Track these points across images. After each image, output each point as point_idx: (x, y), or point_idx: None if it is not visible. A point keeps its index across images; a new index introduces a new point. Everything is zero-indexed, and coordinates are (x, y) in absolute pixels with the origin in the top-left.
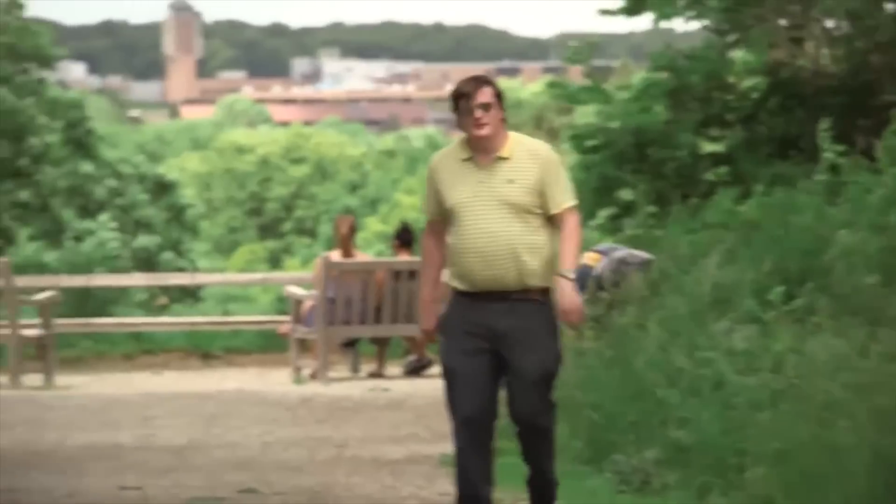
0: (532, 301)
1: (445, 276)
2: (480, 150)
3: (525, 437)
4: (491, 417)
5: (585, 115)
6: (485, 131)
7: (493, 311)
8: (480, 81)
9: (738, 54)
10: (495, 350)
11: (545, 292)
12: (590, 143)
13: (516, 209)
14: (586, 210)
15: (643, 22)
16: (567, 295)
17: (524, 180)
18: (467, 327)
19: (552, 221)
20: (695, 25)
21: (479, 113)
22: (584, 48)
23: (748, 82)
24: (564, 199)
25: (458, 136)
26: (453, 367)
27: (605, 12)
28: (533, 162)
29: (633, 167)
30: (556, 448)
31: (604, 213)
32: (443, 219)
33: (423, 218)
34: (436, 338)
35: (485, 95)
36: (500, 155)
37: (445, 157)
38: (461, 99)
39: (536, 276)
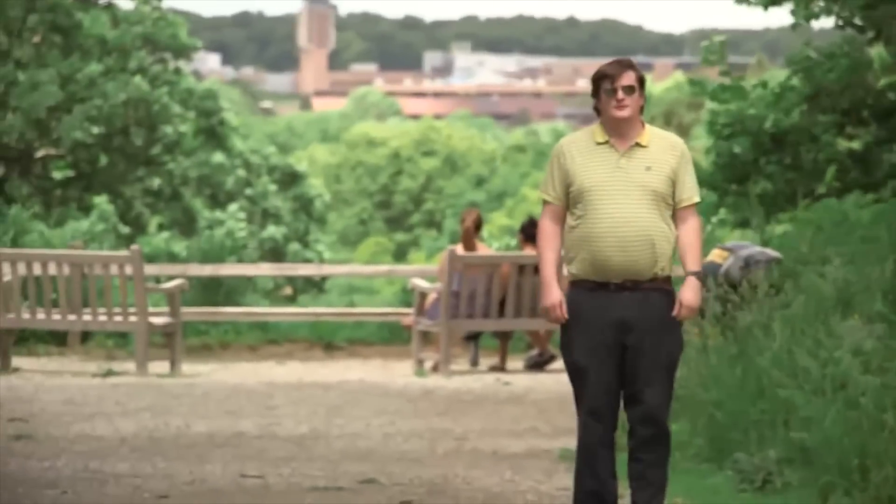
0: (661, 290)
1: (566, 266)
2: (618, 135)
3: (642, 444)
4: (617, 413)
5: (713, 113)
6: (626, 112)
7: (623, 301)
8: (625, 65)
9: (875, 52)
10: (622, 341)
11: (669, 281)
12: (727, 129)
13: (653, 196)
14: (718, 195)
15: (778, 17)
16: (692, 292)
17: (661, 169)
18: (597, 321)
19: (675, 214)
20: (831, 22)
21: (621, 94)
22: (717, 48)
23: (885, 80)
24: (693, 194)
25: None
26: (582, 365)
27: (742, 1)
28: (670, 152)
29: (768, 158)
30: (668, 475)
31: (729, 204)
32: (565, 204)
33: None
34: (564, 313)
35: (629, 78)
36: (639, 142)
37: (577, 140)
38: (604, 80)
39: (666, 264)
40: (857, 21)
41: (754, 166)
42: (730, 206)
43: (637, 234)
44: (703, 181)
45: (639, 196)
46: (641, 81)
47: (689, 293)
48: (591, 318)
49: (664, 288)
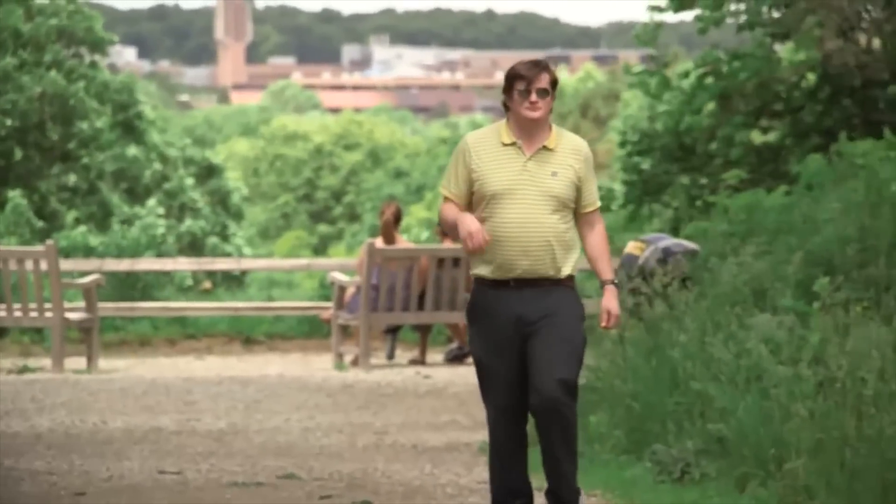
0: (561, 286)
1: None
2: (526, 136)
3: (546, 427)
4: (525, 400)
5: (631, 105)
6: (538, 114)
7: (524, 299)
8: (541, 66)
9: (786, 49)
10: (523, 336)
11: (571, 278)
12: (636, 147)
13: (557, 202)
14: (634, 204)
15: (692, 13)
16: (613, 301)
17: (566, 174)
18: (496, 319)
19: (577, 217)
20: (741, 21)
21: (535, 97)
22: (651, 30)
23: (798, 75)
24: (596, 198)
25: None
26: (485, 362)
27: (654, 9)
28: (575, 157)
29: (678, 165)
30: (577, 453)
31: (645, 216)
32: (466, 202)
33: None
34: (485, 235)
35: (543, 81)
36: (546, 145)
37: (484, 139)
38: (519, 81)
39: (567, 266)
40: (765, 19)
41: (664, 177)
42: (646, 218)
43: (539, 239)
44: (622, 200)
45: (543, 201)
46: (554, 84)
47: (611, 303)
48: (492, 315)
49: (565, 284)
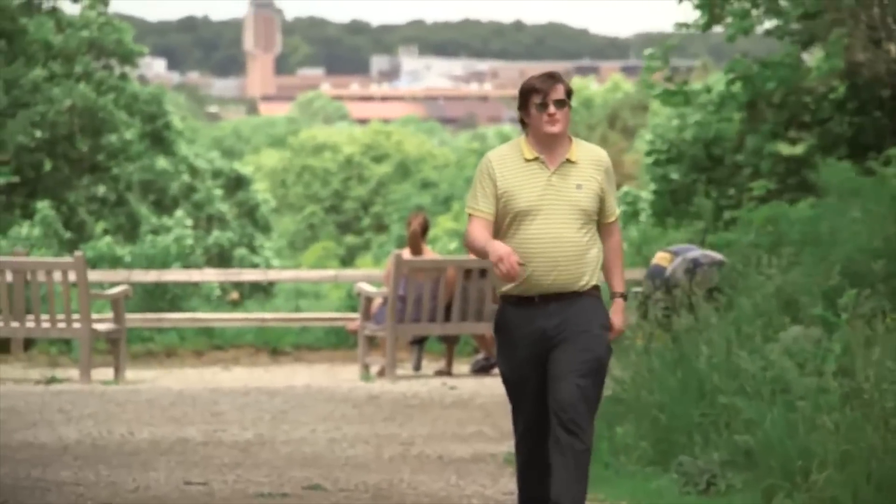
0: (586, 296)
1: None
2: (548, 151)
3: (557, 437)
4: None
5: (659, 115)
6: (558, 128)
7: (547, 313)
8: (555, 78)
9: (815, 59)
10: (549, 349)
11: (596, 288)
12: (664, 156)
13: (582, 214)
14: (661, 215)
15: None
16: (619, 315)
17: (590, 186)
18: (520, 335)
19: (598, 228)
20: (767, 28)
21: (553, 108)
22: (661, 54)
23: (830, 85)
24: (616, 209)
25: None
26: (512, 380)
27: (682, 25)
28: (597, 169)
29: (706, 175)
30: (587, 476)
31: (672, 225)
32: (492, 219)
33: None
34: (516, 261)
35: (559, 92)
36: (569, 158)
37: (507, 157)
38: (534, 94)
39: (593, 277)
40: (794, 28)
41: (692, 186)
42: (673, 227)
43: (566, 254)
44: (649, 209)
45: (569, 215)
46: (569, 94)
47: (617, 316)
48: (517, 333)
49: (590, 294)
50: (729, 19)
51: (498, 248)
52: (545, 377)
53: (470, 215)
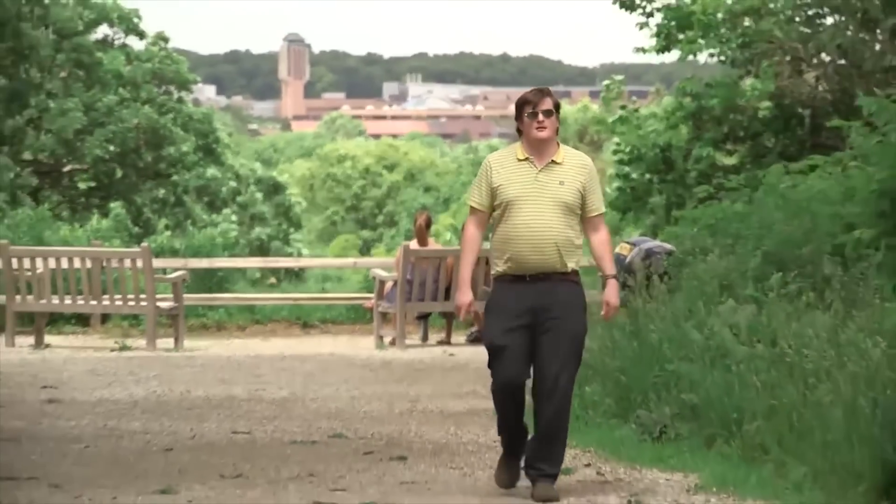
0: (568, 281)
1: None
2: (537, 153)
3: (547, 397)
4: (524, 380)
5: (620, 131)
6: (545, 134)
7: (537, 291)
8: (544, 93)
9: (749, 83)
10: (534, 324)
11: (577, 273)
12: (627, 157)
13: (564, 207)
14: (623, 209)
15: (674, 55)
16: (614, 294)
17: (573, 184)
18: (512, 308)
19: (584, 221)
20: (714, 59)
21: (542, 117)
22: (615, 88)
23: (760, 105)
24: (600, 205)
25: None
26: (499, 345)
27: (640, 50)
28: (580, 170)
29: (660, 177)
30: (566, 439)
31: (631, 220)
32: (488, 211)
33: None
34: (472, 312)
35: (547, 104)
36: (554, 160)
37: (503, 157)
38: (526, 105)
39: (571, 262)
40: (734, 58)
41: (649, 185)
42: (631, 221)
43: (547, 239)
44: (610, 205)
45: (552, 206)
46: (557, 107)
47: (612, 295)
48: (509, 307)
49: (571, 279)
50: (678, 50)
51: (464, 296)
52: (527, 343)
53: (472, 208)
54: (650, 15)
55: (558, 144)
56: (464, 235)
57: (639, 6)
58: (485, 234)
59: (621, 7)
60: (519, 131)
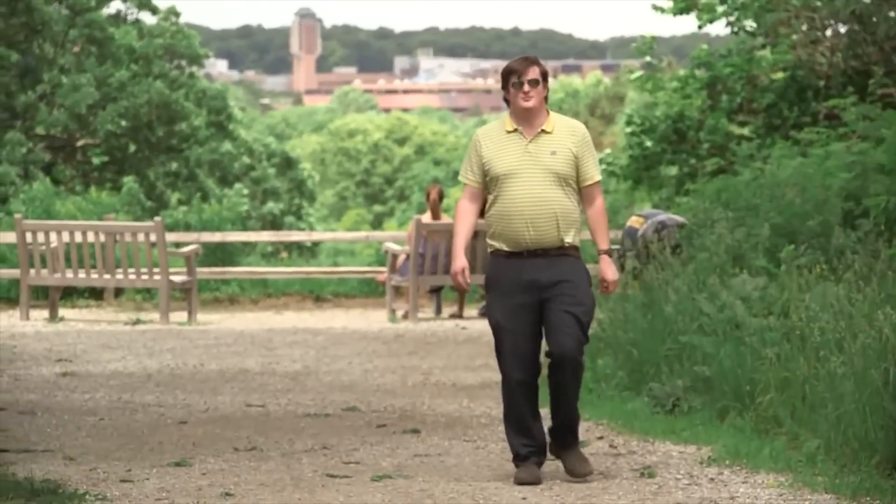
0: (568, 256)
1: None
2: (526, 123)
3: (559, 372)
4: (536, 369)
5: (633, 102)
6: (531, 103)
7: (536, 266)
8: (530, 61)
9: (764, 53)
10: (538, 300)
11: (576, 248)
12: (640, 128)
13: (557, 177)
14: (635, 179)
15: (683, 26)
16: (610, 269)
17: (565, 152)
18: (512, 285)
19: (579, 191)
20: (728, 30)
21: (527, 87)
22: (648, 43)
23: (775, 76)
24: (595, 173)
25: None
26: (502, 324)
27: (657, 8)
28: (571, 137)
29: (672, 148)
30: (580, 394)
31: (644, 188)
32: (482, 187)
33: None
34: (467, 279)
35: (533, 73)
36: (544, 129)
37: (491, 130)
38: (512, 75)
39: (570, 236)
40: (748, 27)
41: (661, 156)
42: (645, 189)
43: (544, 212)
44: (623, 175)
45: (545, 178)
46: (545, 75)
47: (608, 271)
48: (508, 282)
49: (570, 254)
50: (695, 14)
51: (457, 262)
52: (534, 325)
53: (465, 185)
54: None
55: (548, 112)
56: (457, 209)
57: None
58: (481, 208)
59: None
60: (507, 101)
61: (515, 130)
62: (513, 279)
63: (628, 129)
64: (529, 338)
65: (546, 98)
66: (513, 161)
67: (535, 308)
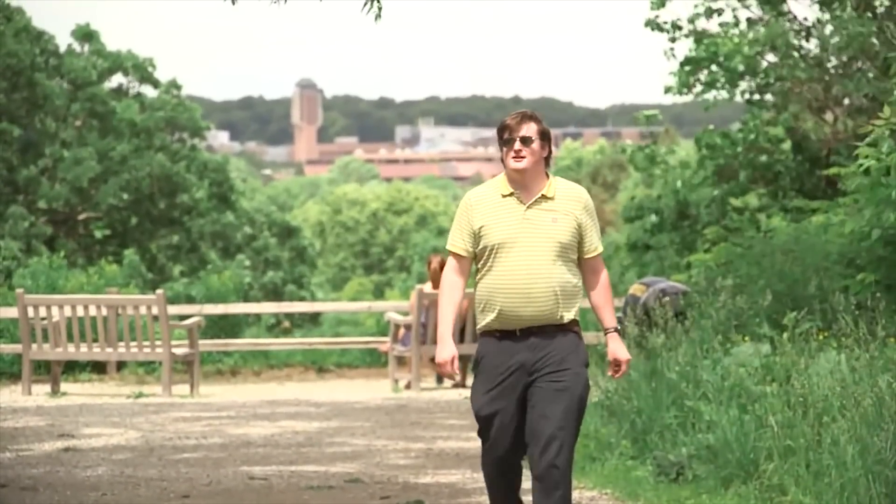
0: (565, 331)
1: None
2: (521, 187)
3: (540, 477)
4: (520, 456)
5: (634, 174)
6: (522, 164)
7: (528, 345)
8: (525, 116)
9: (771, 127)
10: (527, 384)
11: (576, 323)
12: (640, 212)
13: (559, 248)
14: (633, 251)
15: (683, 96)
16: (621, 349)
17: (567, 221)
18: (501, 367)
19: (580, 263)
20: (727, 96)
21: (518, 146)
22: (654, 115)
23: (780, 147)
24: (598, 244)
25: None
26: (486, 414)
27: (669, 89)
28: (575, 204)
29: (674, 228)
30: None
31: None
32: (471, 256)
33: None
34: (455, 370)
35: (528, 130)
36: (544, 194)
37: (484, 194)
38: (503, 131)
39: (571, 312)
40: (756, 96)
41: (661, 230)
42: (638, 264)
43: (543, 288)
44: (624, 247)
45: (545, 248)
46: (543, 134)
47: (619, 350)
48: (498, 365)
49: (570, 329)
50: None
51: (444, 351)
52: (519, 413)
53: (451, 254)
54: (675, 40)
55: (548, 176)
56: (442, 283)
57: (665, 29)
58: (468, 282)
59: (647, 26)
60: (504, 161)
61: (511, 195)
62: (502, 362)
63: (630, 208)
64: (513, 422)
65: (548, 161)
66: (509, 229)
67: (522, 391)
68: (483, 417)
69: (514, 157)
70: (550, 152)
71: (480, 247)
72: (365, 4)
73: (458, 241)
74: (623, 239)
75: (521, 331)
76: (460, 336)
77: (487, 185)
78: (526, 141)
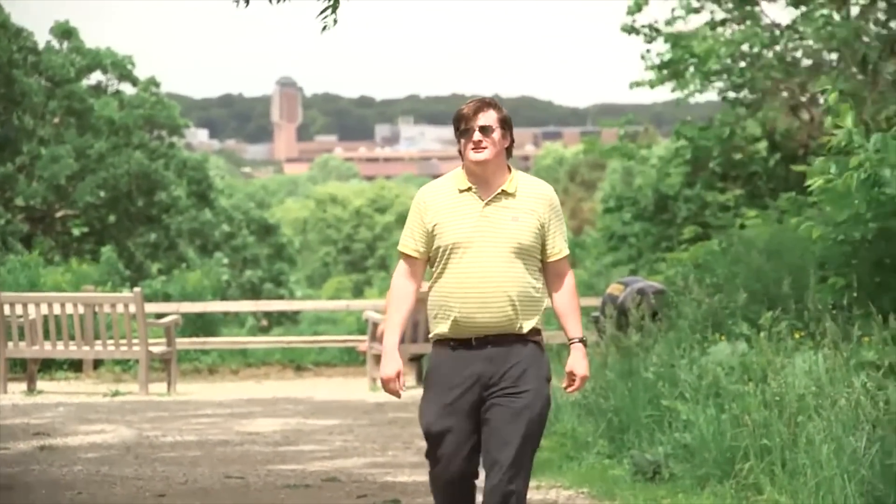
0: (526, 342)
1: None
2: (481, 182)
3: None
4: (472, 478)
5: (613, 171)
6: (483, 155)
7: (484, 356)
8: (484, 103)
9: (747, 123)
10: (482, 399)
11: (538, 332)
12: (618, 203)
13: (519, 250)
14: (610, 250)
15: (663, 95)
16: (580, 362)
17: (529, 220)
18: (454, 380)
19: (544, 266)
20: (706, 97)
21: (477, 136)
22: (631, 118)
23: (756, 146)
24: (564, 246)
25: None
26: (436, 431)
27: (636, 84)
28: (538, 202)
29: (651, 220)
30: None
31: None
32: (425, 258)
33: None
34: (400, 387)
35: (487, 118)
36: (505, 189)
37: (439, 189)
38: (461, 121)
39: (531, 321)
40: (732, 95)
41: (638, 227)
42: (623, 262)
43: (499, 293)
44: (598, 247)
45: (503, 250)
46: (504, 122)
47: (579, 364)
48: (451, 377)
49: (531, 339)
50: (675, 83)
51: (388, 366)
52: (473, 430)
53: (402, 255)
54: (652, 40)
55: (510, 169)
56: (390, 289)
57: (643, 33)
58: (420, 287)
59: (623, 31)
60: (461, 153)
61: (469, 189)
62: (456, 374)
63: (606, 205)
64: (466, 440)
65: (510, 151)
66: (465, 227)
67: (477, 407)
68: (434, 434)
69: (473, 149)
70: (512, 142)
71: (434, 247)
72: (322, 11)
73: (409, 242)
74: (600, 226)
75: (476, 339)
76: (412, 334)
77: (444, 180)
78: (486, 130)
